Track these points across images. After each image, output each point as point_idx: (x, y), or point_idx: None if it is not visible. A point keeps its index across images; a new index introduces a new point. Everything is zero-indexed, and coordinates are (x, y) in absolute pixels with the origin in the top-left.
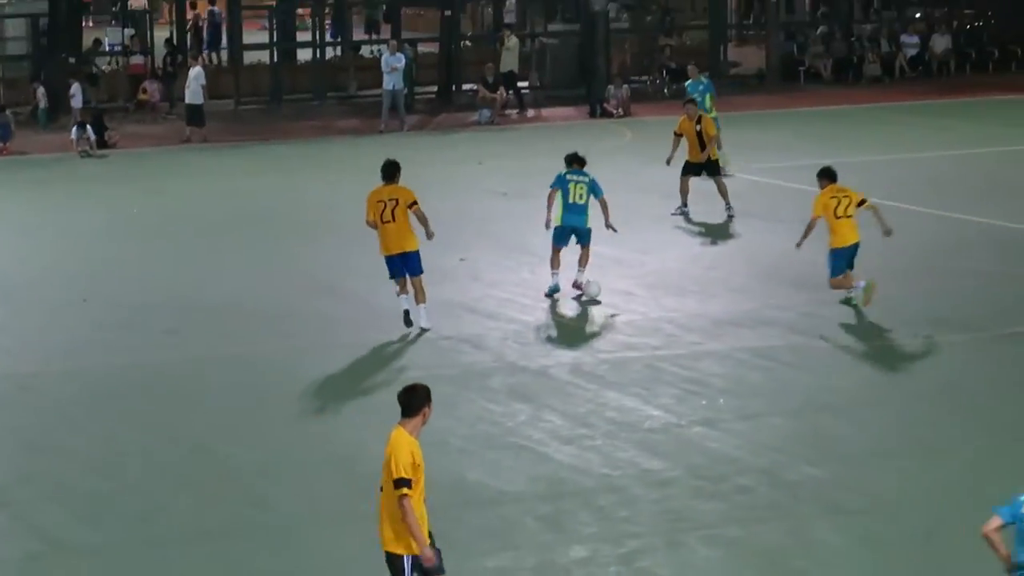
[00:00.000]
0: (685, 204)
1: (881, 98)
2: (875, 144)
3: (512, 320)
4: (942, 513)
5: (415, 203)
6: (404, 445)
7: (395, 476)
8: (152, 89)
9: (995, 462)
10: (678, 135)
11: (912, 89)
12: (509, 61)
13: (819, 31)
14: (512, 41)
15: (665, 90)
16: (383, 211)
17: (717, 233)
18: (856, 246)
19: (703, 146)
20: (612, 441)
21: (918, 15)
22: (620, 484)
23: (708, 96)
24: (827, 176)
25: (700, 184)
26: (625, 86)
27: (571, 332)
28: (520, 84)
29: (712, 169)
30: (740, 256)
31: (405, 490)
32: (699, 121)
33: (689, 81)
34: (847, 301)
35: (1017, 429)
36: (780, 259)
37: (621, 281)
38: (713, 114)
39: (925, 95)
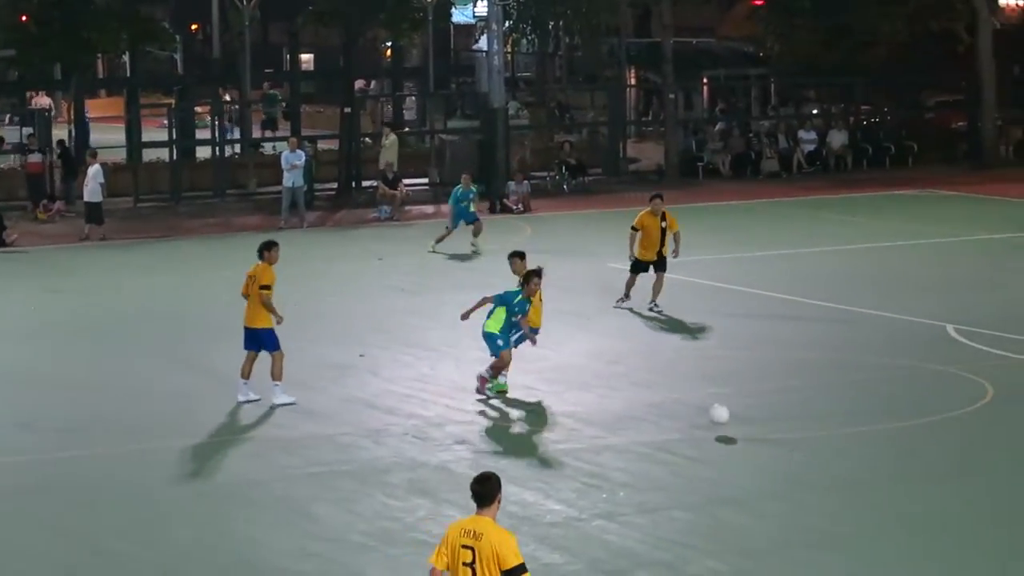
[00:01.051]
0: (627, 296)
1: (779, 193)
2: (773, 239)
3: (412, 415)
4: None
5: (266, 287)
6: (504, 533)
7: (515, 563)
8: (53, 207)
9: (894, 553)
10: (635, 229)
11: (810, 184)
12: (388, 157)
13: (717, 127)
14: (390, 139)
15: (565, 186)
16: (247, 285)
17: (619, 328)
18: (536, 331)
19: (663, 242)
20: None
21: (815, 111)
22: None
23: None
24: (520, 257)
25: (602, 276)
26: (525, 182)
27: (471, 427)
28: (419, 180)
29: (660, 264)
30: (641, 351)
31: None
32: (663, 217)
33: (459, 187)
34: (497, 388)
35: (915, 521)
36: (680, 353)
37: (522, 376)
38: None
39: (822, 190)
